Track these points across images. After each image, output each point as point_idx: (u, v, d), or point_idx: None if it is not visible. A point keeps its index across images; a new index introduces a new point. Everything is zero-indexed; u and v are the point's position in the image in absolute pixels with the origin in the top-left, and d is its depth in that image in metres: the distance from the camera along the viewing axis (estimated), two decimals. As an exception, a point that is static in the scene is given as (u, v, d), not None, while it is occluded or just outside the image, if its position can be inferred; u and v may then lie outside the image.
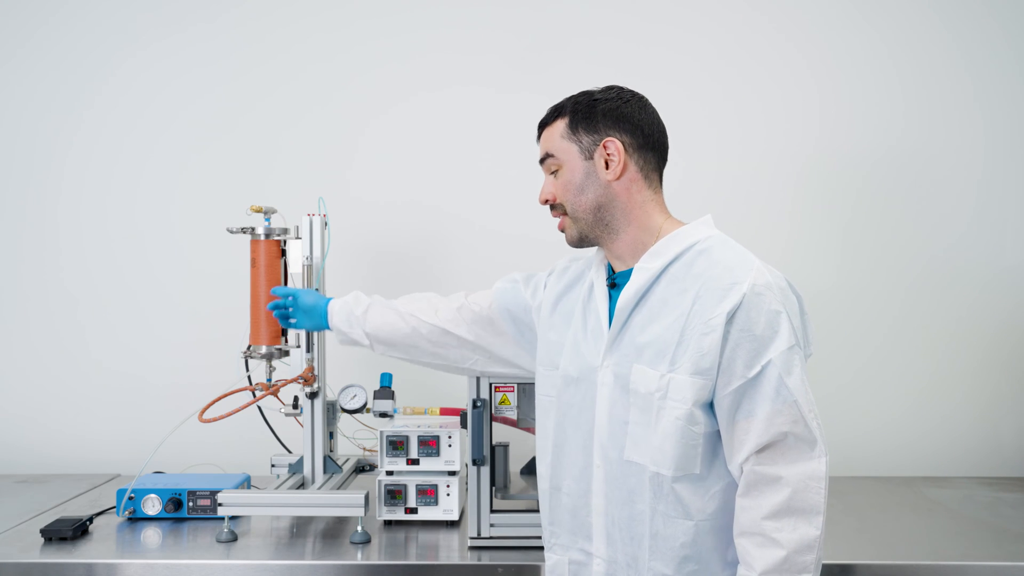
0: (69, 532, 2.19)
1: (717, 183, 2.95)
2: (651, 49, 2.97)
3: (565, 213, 1.69)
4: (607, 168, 1.63)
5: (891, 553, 2.10)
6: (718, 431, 1.54)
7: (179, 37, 3.02)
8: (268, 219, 2.46)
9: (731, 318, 1.48)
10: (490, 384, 2.16)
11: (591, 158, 1.64)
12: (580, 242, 1.70)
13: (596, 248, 1.75)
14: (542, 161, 1.71)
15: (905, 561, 2.04)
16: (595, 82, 2.93)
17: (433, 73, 2.99)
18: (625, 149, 1.63)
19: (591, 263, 1.78)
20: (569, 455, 1.68)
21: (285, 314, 2.21)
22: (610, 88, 1.70)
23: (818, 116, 2.96)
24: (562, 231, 1.72)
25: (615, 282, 1.68)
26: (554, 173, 1.69)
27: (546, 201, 1.71)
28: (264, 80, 3.01)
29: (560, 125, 1.67)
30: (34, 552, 2.13)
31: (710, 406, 1.53)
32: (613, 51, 2.96)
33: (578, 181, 1.65)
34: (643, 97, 1.70)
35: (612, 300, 1.66)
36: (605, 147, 1.63)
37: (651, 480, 1.54)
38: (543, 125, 1.72)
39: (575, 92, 1.73)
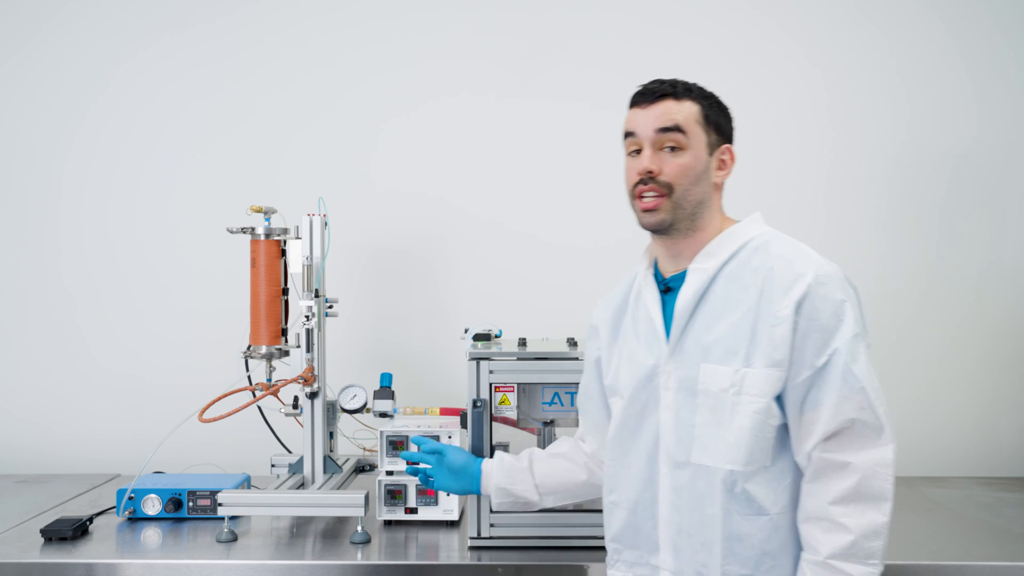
0: (69, 532, 2.19)
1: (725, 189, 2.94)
2: (651, 51, 2.97)
3: (666, 194, 1.58)
4: (719, 171, 1.63)
5: (892, 553, 2.06)
6: (785, 423, 1.53)
7: (180, 38, 3.02)
8: (268, 219, 2.46)
9: (798, 308, 1.49)
10: (490, 384, 2.16)
11: (711, 155, 1.62)
12: (662, 227, 1.60)
13: (644, 253, 1.73)
14: (663, 130, 1.58)
15: (905, 561, 2.04)
16: (595, 85, 2.99)
17: (438, 76, 2.99)
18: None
19: (632, 280, 1.76)
20: (630, 467, 1.65)
21: (425, 475, 1.98)
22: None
23: (827, 115, 2.95)
24: (649, 210, 1.59)
25: (669, 286, 1.65)
26: (671, 150, 1.58)
27: (649, 172, 1.58)
28: (266, 82, 3.01)
29: (693, 108, 1.60)
30: (34, 552, 2.13)
31: (779, 398, 1.52)
32: (613, 53, 2.96)
33: (699, 171, 1.60)
34: None
35: (665, 305, 1.64)
36: (726, 151, 1.64)
37: (723, 481, 1.52)
38: (663, 95, 1.60)
39: (674, 78, 1.64)
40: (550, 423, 2.36)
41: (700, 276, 1.59)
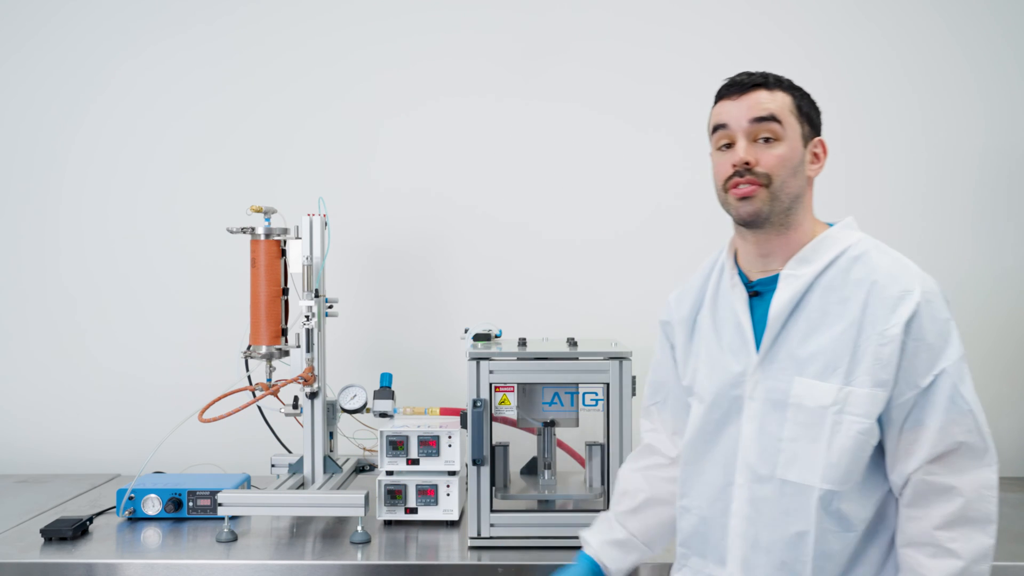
0: (69, 532, 2.19)
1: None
2: (651, 51, 2.97)
3: (764, 185, 1.51)
4: (812, 164, 1.58)
5: (891, 553, 2.09)
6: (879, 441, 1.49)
7: (180, 38, 3.02)
8: (268, 219, 2.46)
9: (907, 327, 1.44)
10: (490, 384, 2.16)
11: (805, 147, 1.56)
12: (758, 218, 1.53)
13: (722, 253, 1.68)
14: (758, 120, 1.52)
15: (905, 561, 2.03)
16: (595, 84, 2.98)
17: (438, 76, 2.99)
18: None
19: (707, 275, 1.69)
20: (704, 475, 1.60)
21: None
22: None
23: (827, 115, 2.93)
24: (745, 197, 1.52)
25: (757, 290, 1.58)
26: (765, 141, 1.53)
27: (746, 164, 1.52)
28: (266, 82, 3.01)
29: (786, 99, 1.55)
30: (34, 552, 2.13)
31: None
32: (612, 53, 2.97)
33: (795, 162, 1.53)
34: None
35: (752, 310, 1.58)
36: (818, 144, 1.59)
37: (820, 499, 1.46)
38: (755, 85, 1.55)
39: (756, 71, 1.58)
40: (550, 423, 2.37)
41: (795, 283, 1.52)
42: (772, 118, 1.53)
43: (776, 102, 1.54)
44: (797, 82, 1.61)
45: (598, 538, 1.79)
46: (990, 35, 2.94)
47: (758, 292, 1.58)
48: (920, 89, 2.95)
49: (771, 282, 1.56)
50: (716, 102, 1.60)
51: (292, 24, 3.01)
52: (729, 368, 1.57)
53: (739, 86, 1.56)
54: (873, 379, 1.44)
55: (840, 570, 1.48)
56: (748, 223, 1.54)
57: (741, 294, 1.59)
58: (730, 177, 1.54)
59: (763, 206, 1.52)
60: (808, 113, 1.58)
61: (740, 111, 1.54)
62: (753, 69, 1.60)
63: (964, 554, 1.42)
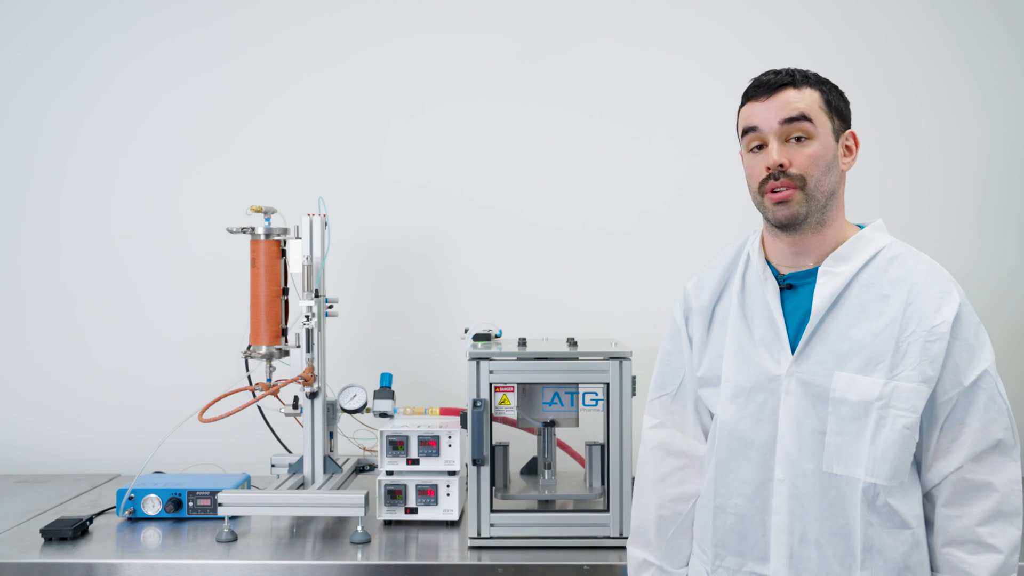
0: (69, 532, 2.19)
1: (725, 186, 2.94)
2: (651, 52, 2.97)
3: (799, 187, 1.52)
4: (845, 158, 1.58)
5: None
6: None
7: (182, 40, 3.01)
8: (268, 219, 2.46)
9: (952, 326, 1.48)
10: (490, 384, 2.16)
11: (837, 142, 1.57)
12: (796, 221, 1.53)
13: (746, 243, 1.68)
14: (788, 121, 1.53)
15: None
16: (596, 85, 2.98)
17: (440, 76, 2.99)
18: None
19: (729, 265, 1.69)
20: (740, 472, 1.59)
21: None
22: None
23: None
24: (782, 201, 1.53)
25: (790, 284, 1.59)
26: (797, 140, 1.53)
27: (780, 166, 1.52)
28: (269, 84, 3.01)
29: (814, 95, 1.55)
30: (34, 552, 2.13)
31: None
32: (612, 54, 2.96)
33: (828, 159, 1.54)
34: None
35: (783, 304, 1.58)
36: (849, 137, 1.59)
37: (864, 492, 1.47)
38: (782, 85, 1.55)
39: (782, 68, 1.58)
40: (550, 423, 2.37)
41: (834, 280, 1.54)
42: (803, 117, 1.53)
43: (805, 100, 1.54)
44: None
45: None
46: (992, 36, 2.94)
47: (791, 286, 1.58)
48: (922, 89, 2.95)
49: (804, 276, 1.58)
50: (743, 104, 1.61)
51: (291, 25, 3.01)
52: (763, 363, 1.57)
53: (766, 86, 1.56)
54: (920, 375, 1.47)
55: (895, 568, 1.48)
56: (785, 226, 1.55)
57: (773, 287, 1.60)
58: (765, 180, 1.54)
59: (800, 208, 1.53)
60: (837, 106, 1.58)
61: (769, 112, 1.54)
62: (770, 68, 1.60)
63: (1003, 547, 1.46)
